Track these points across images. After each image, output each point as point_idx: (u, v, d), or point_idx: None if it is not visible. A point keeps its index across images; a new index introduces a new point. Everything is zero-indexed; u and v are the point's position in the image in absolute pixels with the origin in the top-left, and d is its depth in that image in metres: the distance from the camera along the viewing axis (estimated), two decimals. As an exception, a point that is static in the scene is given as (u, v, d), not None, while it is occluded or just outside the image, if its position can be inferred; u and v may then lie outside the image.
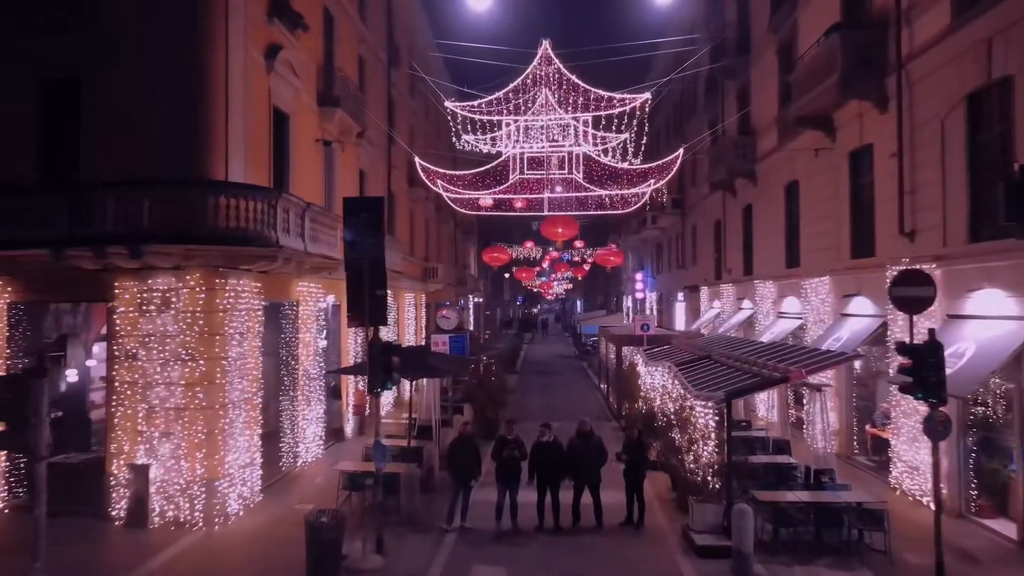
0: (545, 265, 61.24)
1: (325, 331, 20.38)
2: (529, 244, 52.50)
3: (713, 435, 13.84)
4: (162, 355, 13.74)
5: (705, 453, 13.92)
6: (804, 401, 21.25)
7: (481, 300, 57.62)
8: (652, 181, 22.25)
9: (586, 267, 57.37)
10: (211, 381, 13.73)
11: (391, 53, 28.94)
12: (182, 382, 13.67)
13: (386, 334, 27.83)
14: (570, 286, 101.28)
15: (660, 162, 20.56)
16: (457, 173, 22.04)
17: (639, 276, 55.29)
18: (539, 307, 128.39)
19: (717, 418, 13.80)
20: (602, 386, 34.61)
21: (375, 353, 12.18)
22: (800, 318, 22.13)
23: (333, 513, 11.35)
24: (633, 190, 20.48)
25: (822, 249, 20.57)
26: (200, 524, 13.50)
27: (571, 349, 61.12)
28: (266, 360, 17.71)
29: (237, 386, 14.46)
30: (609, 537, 13.64)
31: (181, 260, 13.57)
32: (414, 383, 20.18)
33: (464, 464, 13.72)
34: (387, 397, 26.80)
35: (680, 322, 41.69)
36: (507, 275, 75.88)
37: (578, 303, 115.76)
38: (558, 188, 32.40)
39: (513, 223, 59.08)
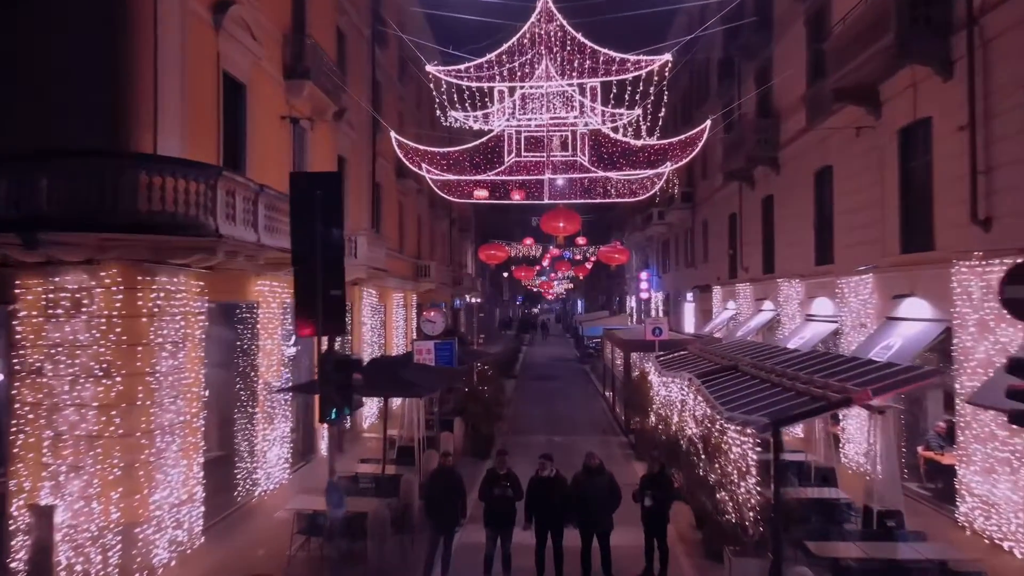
0: (545, 263, 58.54)
1: (293, 337, 17.75)
2: (529, 241, 49.81)
3: (753, 469, 11.21)
4: (71, 370, 11.10)
5: (742, 490, 11.29)
6: (840, 416, 18.66)
7: (479, 300, 54.87)
8: (669, 164, 19.55)
9: (588, 265, 54.68)
10: (131, 402, 11.09)
11: (376, 29, 26.29)
12: (95, 403, 11.03)
13: (371, 339, 25.26)
14: (571, 286, 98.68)
15: (680, 137, 17.87)
16: (441, 150, 19.35)
17: (644, 275, 52.64)
18: (539, 307, 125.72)
19: (759, 448, 11.17)
20: (607, 393, 32.00)
21: (328, 370, 9.56)
22: (834, 322, 19.51)
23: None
24: (648, 172, 17.81)
25: (862, 243, 17.95)
26: (116, 581, 10.87)
27: (572, 351, 58.48)
28: (217, 372, 15.11)
29: (169, 407, 11.83)
30: (625, 596, 11.06)
31: (94, 252, 10.93)
32: (406, 413, 17.74)
33: (444, 505, 11.09)
34: (371, 407, 24.17)
35: (689, 324, 39.07)
36: (505, 274, 73.23)
37: (579, 303, 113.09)
38: (559, 181, 29.77)
39: (512, 219, 56.46)
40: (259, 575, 9.16)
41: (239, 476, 15.18)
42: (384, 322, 28.04)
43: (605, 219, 64.10)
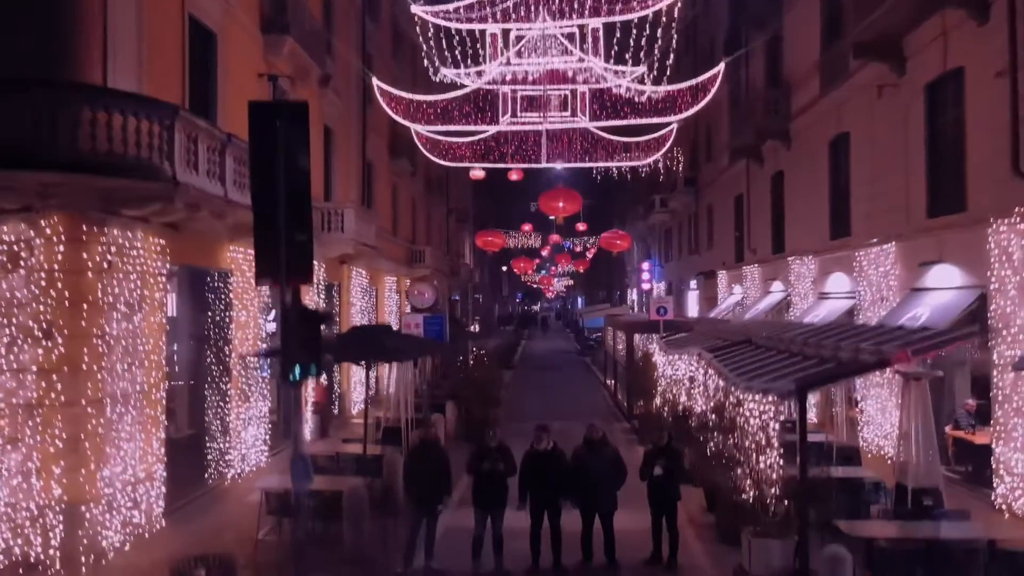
0: (544, 253, 57.27)
1: (272, 311, 16.56)
2: (527, 227, 48.57)
3: (775, 441, 10.02)
4: (9, 330, 9.90)
5: (762, 466, 10.08)
6: (859, 398, 17.46)
7: (475, 279, 53.18)
8: (675, 123, 18.25)
9: (588, 255, 53.41)
10: (75, 367, 9.90)
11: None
12: (35, 368, 9.84)
13: (361, 322, 24.01)
14: (571, 282, 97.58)
15: (692, 82, 16.52)
16: (429, 98, 18.02)
17: (646, 266, 51.42)
18: (539, 304, 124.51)
19: (782, 418, 9.98)
20: (608, 382, 30.85)
21: (292, 323, 8.35)
22: (852, 297, 18.33)
23: (218, 561, 7.55)
24: (657, 120, 16.55)
25: (883, 211, 16.76)
26: (57, 566, 9.66)
27: (572, 345, 57.35)
28: (185, 344, 14.00)
29: (123, 375, 10.65)
30: (630, 582, 9.87)
31: (34, 199, 9.74)
32: (390, 375, 16.65)
33: (427, 481, 9.89)
34: (359, 393, 22.94)
35: (693, 313, 37.83)
36: (504, 268, 72.01)
37: (579, 300, 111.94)
38: (558, 163, 28.45)
39: (511, 209, 55.29)
40: (208, 555, 7.95)
41: (210, 457, 14.01)
42: (376, 306, 26.87)
43: (606, 211, 62.86)
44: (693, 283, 38.44)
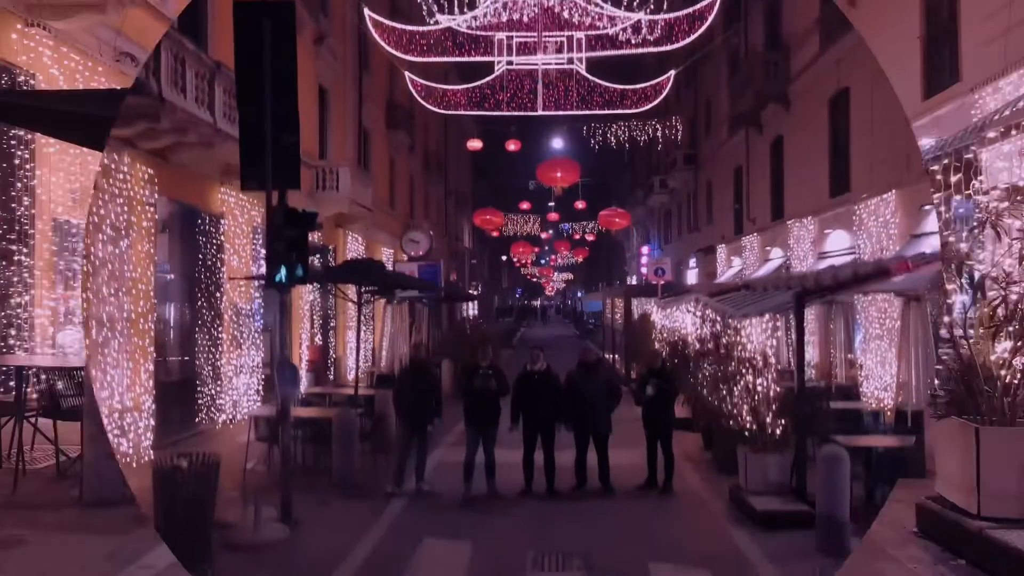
0: (544, 237, 57.02)
1: (263, 264, 16.37)
2: (526, 205, 48.40)
3: (771, 360, 9.85)
4: (-9, 247, 9.75)
5: (760, 388, 9.89)
6: (859, 353, 17.27)
7: (474, 257, 52.76)
8: (673, 70, 17.98)
9: (589, 238, 53.13)
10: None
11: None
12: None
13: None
14: (571, 277, 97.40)
15: (690, 8, 16.21)
16: (422, 29, 17.77)
17: (645, 250, 51.22)
18: (539, 299, 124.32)
19: (779, 334, 9.82)
20: (606, 356, 30.66)
21: (277, 225, 8.20)
22: (852, 253, 18.12)
23: (201, 458, 7.36)
24: (655, 50, 16.29)
25: (883, 162, 16.58)
26: (40, 484, 9.50)
27: (572, 331, 57.26)
28: (178, 286, 13.83)
29: (110, 300, 10.46)
30: (624, 503, 9.72)
31: (19, 112, 9.56)
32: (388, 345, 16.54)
33: (416, 398, 9.71)
34: (352, 359, 22.73)
35: (692, 291, 37.72)
36: (504, 257, 71.74)
37: (579, 294, 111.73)
38: (554, 111, 27.59)
39: (508, 186, 55.06)
40: (189, 451, 7.72)
41: (201, 401, 13.81)
42: (372, 276, 26.65)
43: (604, 196, 62.71)
44: (692, 261, 38.28)
